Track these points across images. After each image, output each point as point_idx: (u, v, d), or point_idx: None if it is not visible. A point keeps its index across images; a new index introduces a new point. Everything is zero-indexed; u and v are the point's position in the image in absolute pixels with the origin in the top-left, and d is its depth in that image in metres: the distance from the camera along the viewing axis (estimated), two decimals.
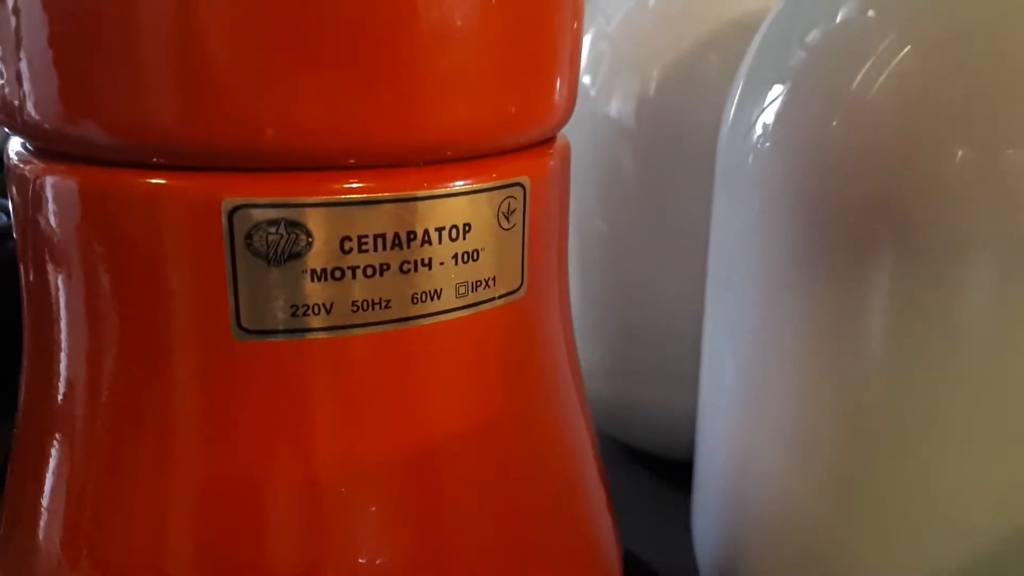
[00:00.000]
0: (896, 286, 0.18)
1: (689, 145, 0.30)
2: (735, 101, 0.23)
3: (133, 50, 0.12)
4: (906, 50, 0.18)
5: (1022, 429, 0.17)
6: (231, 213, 0.13)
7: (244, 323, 0.13)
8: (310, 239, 0.13)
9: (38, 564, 0.16)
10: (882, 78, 0.19)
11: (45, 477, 0.17)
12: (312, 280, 0.13)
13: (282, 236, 0.13)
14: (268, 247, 0.13)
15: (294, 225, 0.13)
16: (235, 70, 0.12)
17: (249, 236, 0.13)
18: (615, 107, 0.32)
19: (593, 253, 0.33)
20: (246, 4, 0.12)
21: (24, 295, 0.17)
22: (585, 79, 0.33)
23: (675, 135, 0.30)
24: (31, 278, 0.16)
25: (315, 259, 0.13)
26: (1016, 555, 0.17)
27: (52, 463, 0.16)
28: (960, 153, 0.18)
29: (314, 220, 0.13)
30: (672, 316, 0.31)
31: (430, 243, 0.14)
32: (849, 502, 0.19)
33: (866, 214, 0.19)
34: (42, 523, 0.17)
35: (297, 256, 0.13)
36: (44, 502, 0.17)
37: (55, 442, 0.16)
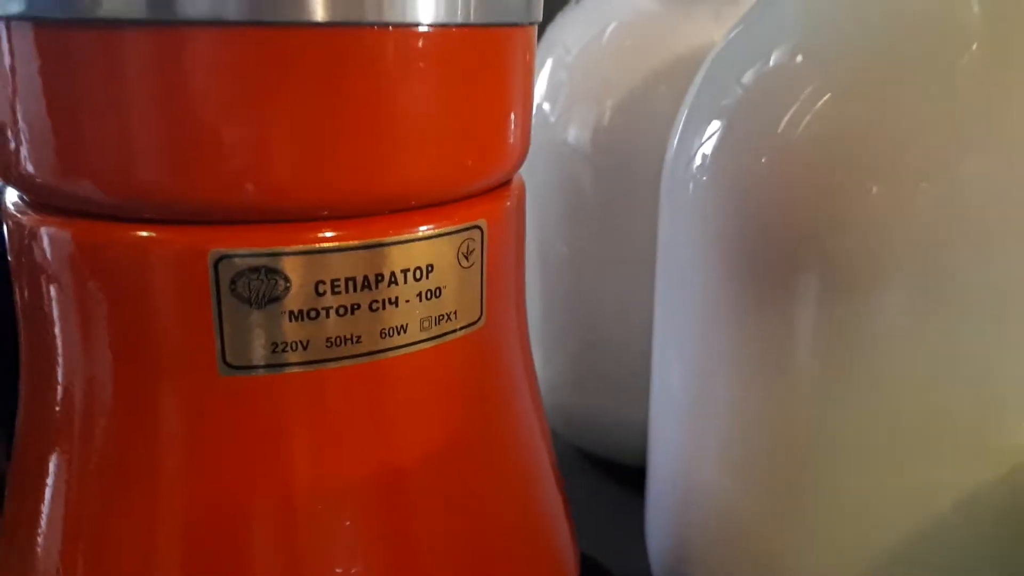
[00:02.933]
0: (820, 310, 0.20)
1: (642, 172, 0.31)
2: (678, 133, 0.25)
3: (124, 119, 0.14)
4: (827, 96, 0.20)
5: (933, 440, 0.19)
6: (216, 262, 0.14)
7: (229, 360, 0.14)
8: (288, 284, 0.14)
9: None
10: (806, 120, 0.20)
11: (42, 499, 0.18)
12: (290, 320, 0.14)
13: (263, 282, 0.14)
14: (250, 292, 0.14)
15: (273, 272, 0.14)
16: (218, 137, 0.13)
17: (233, 282, 0.14)
18: (573, 134, 0.34)
19: (554, 274, 0.34)
20: (228, 82, 0.13)
21: (20, 326, 0.18)
22: (545, 106, 0.35)
23: (629, 162, 0.32)
24: (27, 314, 0.17)
25: (292, 301, 0.14)
26: (926, 551, 0.19)
27: (48, 486, 0.17)
28: (874, 189, 0.19)
29: (291, 267, 0.14)
30: (627, 332, 0.32)
31: (396, 283, 0.15)
32: (778, 505, 0.21)
33: (793, 244, 0.20)
34: (39, 542, 0.18)
35: (276, 299, 0.14)
36: (41, 523, 0.18)
37: (51, 466, 0.17)
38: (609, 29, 0.33)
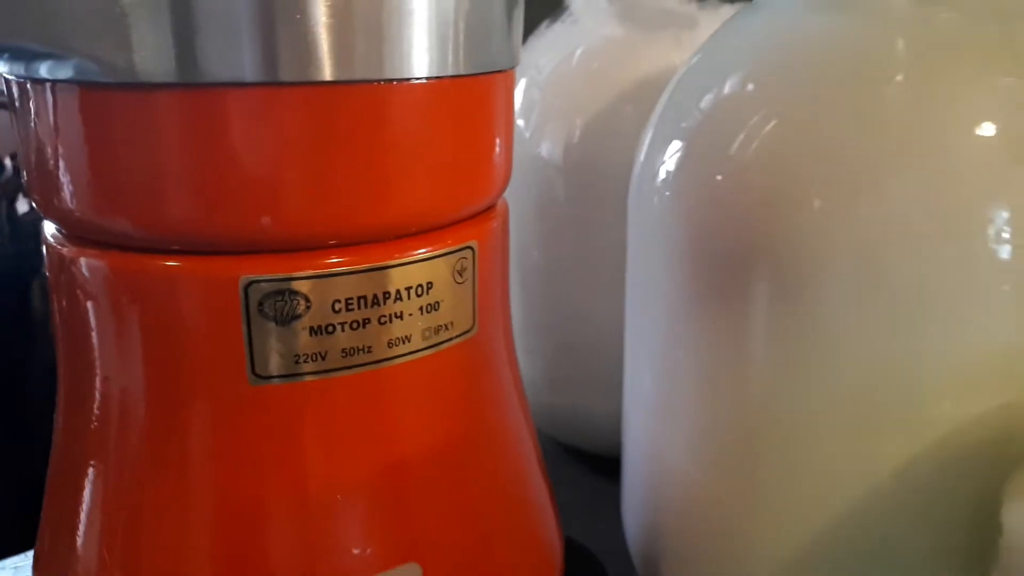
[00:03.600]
0: (771, 310, 0.22)
1: (611, 185, 0.33)
2: (644, 151, 0.27)
3: (157, 167, 0.16)
4: (773, 122, 0.22)
5: (871, 420, 0.21)
6: (247, 287, 0.16)
7: (257, 371, 0.16)
8: (308, 304, 0.16)
9: None
10: (755, 143, 0.23)
11: (81, 500, 0.19)
12: (310, 335, 0.16)
13: (286, 303, 0.16)
14: (275, 312, 0.16)
15: (295, 294, 0.16)
16: (241, 180, 0.16)
17: (260, 304, 0.16)
18: (546, 149, 0.36)
19: (532, 280, 0.36)
20: (250, 134, 0.15)
21: (58, 344, 0.20)
22: (520, 122, 0.37)
23: (598, 176, 0.34)
24: (66, 332, 0.19)
25: (311, 319, 0.16)
26: (869, 520, 0.21)
27: (87, 488, 0.19)
28: (816, 202, 0.21)
29: (310, 289, 0.16)
30: (601, 334, 0.35)
31: (400, 300, 0.17)
32: (737, 484, 0.23)
33: (746, 252, 0.22)
34: (79, 543, 0.20)
35: (298, 317, 0.16)
36: (81, 520, 0.19)
37: (89, 469, 0.19)
38: (578, 52, 0.35)
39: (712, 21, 0.34)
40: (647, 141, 0.27)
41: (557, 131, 0.35)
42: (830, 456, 0.22)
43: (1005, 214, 0.20)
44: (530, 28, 0.38)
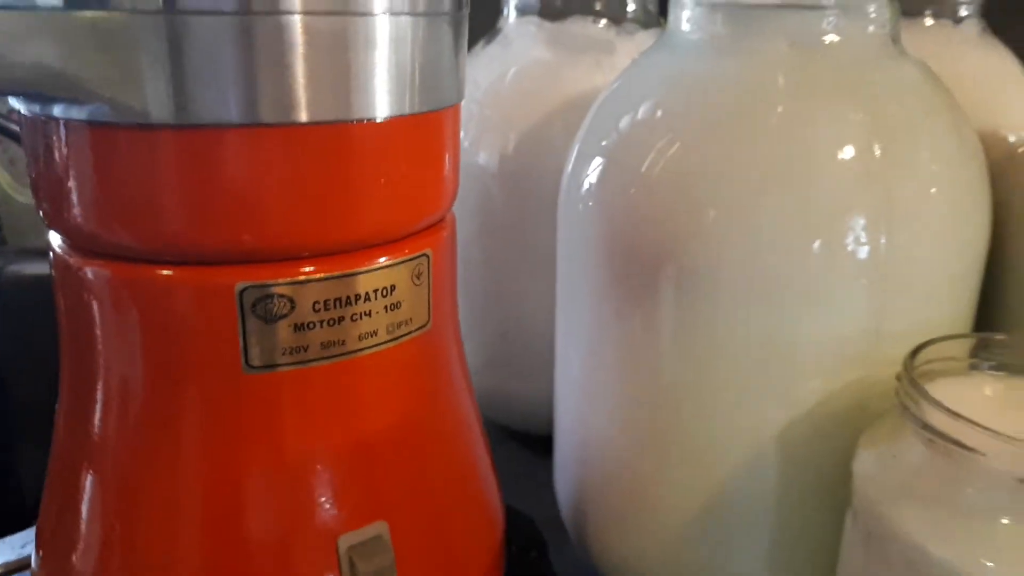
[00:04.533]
0: (675, 301, 0.26)
1: (541, 191, 0.36)
2: (571, 164, 0.31)
3: (157, 192, 0.18)
4: (677, 145, 0.26)
5: (753, 390, 0.25)
6: (241, 292, 0.19)
7: (250, 362, 0.19)
8: (292, 305, 0.19)
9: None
10: (662, 163, 0.26)
11: (84, 481, 0.22)
12: (293, 331, 0.19)
13: (275, 304, 0.19)
14: (265, 312, 0.19)
15: (282, 296, 0.19)
16: (233, 204, 0.18)
17: (254, 305, 0.19)
18: (483, 158, 0.39)
19: (472, 276, 0.40)
20: (239, 166, 0.18)
21: (62, 346, 0.22)
22: (460, 132, 0.40)
23: (530, 183, 0.37)
24: (69, 331, 0.22)
25: (296, 317, 0.19)
26: (753, 476, 0.25)
27: (90, 470, 0.22)
28: (711, 213, 0.25)
29: (293, 292, 0.19)
30: (533, 323, 0.38)
31: (368, 300, 0.20)
32: (649, 448, 0.27)
33: (655, 253, 0.26)
34: (83, 518, 0.22)
35: (284, 316, 0.19)
36: (84, 503, 0.22)
37: (92, 455, 0.22)
38: (511, 72, 0.39)
39: (628, 46, 0.37)
40: (573, 156, 0.31)
41: (493, 142, 0.39)
42: (725, 424, 0.26)
43: (861, 221, 0.24)
44: (467, 47, 0.41)
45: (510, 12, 0.39)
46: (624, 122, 0.28)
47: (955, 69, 0.37)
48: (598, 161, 0.29)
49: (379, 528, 0.21)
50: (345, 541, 0.21)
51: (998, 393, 0.22)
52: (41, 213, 0.21)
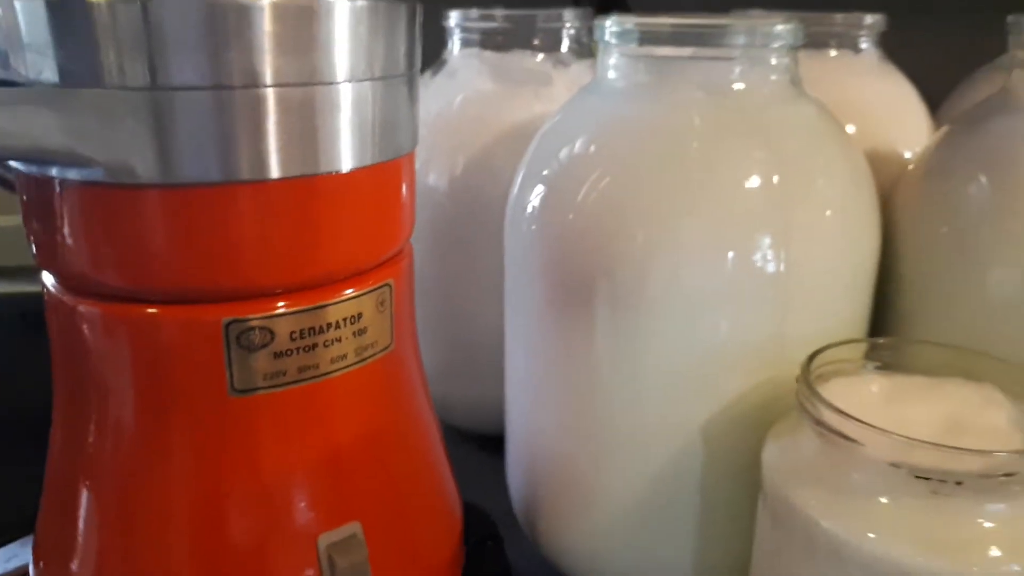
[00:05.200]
0: (610, 316, 0.29)
1: (488, 212, 0.39)
2: (516, 190, 0.33)
3: (146, 241, 0.20)
4: (608, 177, 0.29)
5: (677, 390, 0.28)
6: (227, 325, 0.21)
7: (236, 386, 0.22)
8: (272, 335, 0.22)
9: None
10: (596, 192, 0.29)
11: (79, 510, 0.24)
12: (273, 358, 0.22)
13: (256, 335, 0.21)
14: (249, 342, 0.21)
15: (263, 328, 0.21)
16: (216, 252, 0.21)
17: (238, 337, 0.21)
18: (433, 179, 0.42)
19: (426, 291, 0.42)
20: (219, 218, 0.20)
21: (56, 377, 0.24)
22: None
23: (477, 203, 0.40)
24: (63, 366, 0.24)
25: (276, 346, 0.22)
26: (680, 467, 0.29)
27: (84, 485, 0.24)
28: (638, 236, 0.28)
29: (273, 325, 0.22)
30: (484, 335, 0.40)
31: (338, 328, 0.23)
32: (589, 443, 0.30)
33: (590, 272, 0.29)
34: (79, 529, 0.24)
35: (266, 346, 0.22)
36: (80, 515, 0.24)
37: (86, 470, 0.24)
38: (458, 100, 0.41)
39: (564, 77, 0.40)
40: (518, 182, 0.33)
41: (443, 165, 0.41)
42: (654, 420, 0.29)
43: (766, 241, 0.27)
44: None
45: (455, 45, 0.42)
46: (563, 155, 0.31)
47: (857, 94, 0.42)
48: (540, 189, 0.32)
49: (353, 528, 0.24)
50: (324, 540, 0.23)
51: (883, 390, 0.26)
52: (35, 254, 0.23)
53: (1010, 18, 0.50)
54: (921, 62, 0.44)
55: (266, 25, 0.19)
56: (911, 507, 0.22)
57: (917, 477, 0.21)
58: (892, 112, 0.42)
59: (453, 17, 0.41)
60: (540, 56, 0.41)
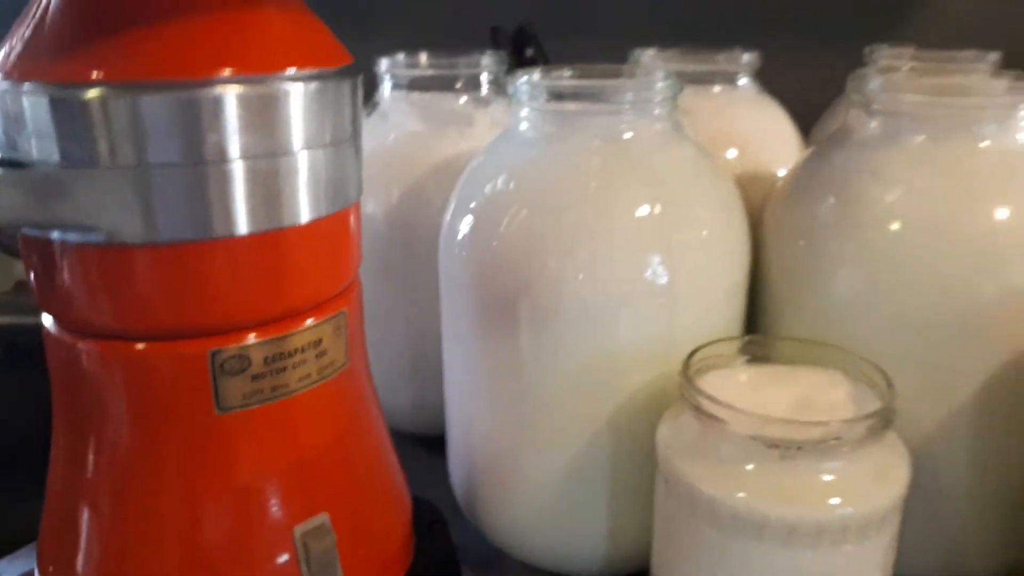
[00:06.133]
0: (529, 329, 0.34)
1: (421, 239, 0.43)
2: (448, 219, 0.38)
3: (138, 293, 0.24)
4: (524, 210, 0.34)
5: (584, 391, 0.33)
6: (212, 355, 0.25)
7: (221, 404, 0.26)
8: (249, 361, 0.26)
9: None
10: (516, 223, 0.34)
11: (80, 518, 0.27)
12: (251, 380, 0.26)
13: (237, 362, 0.25)
14: (231, 368, 0.25)
15: (242, 357, 0.26)
16: (197, 297, 0.25)
17: (222, 365, 0.25)
18: (371, 209, 0.46)
19: (372, 308, 0.46)
20: (199, 268, 0.25)
21: (55, 402, 0.28)
22: None
23: (411, 232, 0.44)
24: (63, 394, 0.27)
25: (252, 370, 0.26)
26: (591, 454, 0.34)
27: (83, 509, 0.27)
28: (552, 262, 0.33)
29: (251, 352, 0.26)
30: (424, 346, 0.45)
31: (303, 352, 0.27)
32: (516, 437, 0.35)
33: (511, 294, 0.34)
34: (82, 534, 0.28)
35: (244, 370, 0.26)
36: (81, 535, 0.27)
37: (85, 484, 0.27)
38: (391, 138, 0.46)
39: (484, 117, 0.45)
40: (450, 213, 0.38)
41: (379, 196, 0.45)
42: (569, 413, 0.34)
43: (655, 259, 0.33)
44: None
45: (385, 88, 0.46)
46: (487, 190, 0.36)
47: (737, 124, 0.48)
48: (469, 219, 0.36)
49: (323, 518, 0.28)
50: (298, 530, 0.27)
51: (750, 378, 0.31)
52: (36, 299, 0.27)
53: (866, 48, 0.57)
54: (794, 92, 0.51)
55: (234, 111, 0.24)
56: (768, 470, 0.27)
57: (769, 446, 0.27)
58: (768, 138, 0.48)
59: (383, 64, 0.45)
60: (463, 97, 0.45)
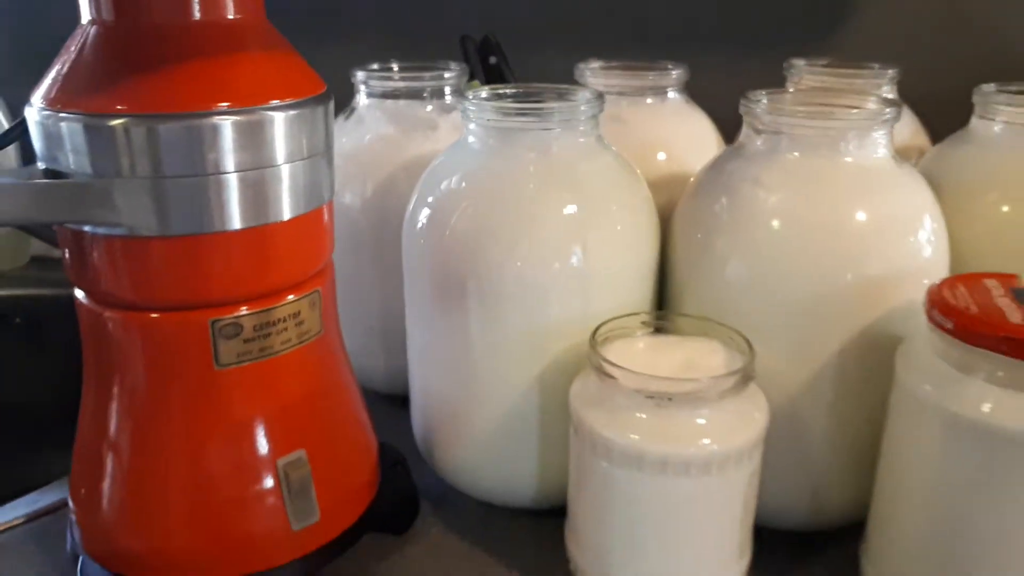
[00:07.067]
0: (478, 305, 0.39)
1: (391, 227, 0.48)
2: (409, 212, 0.44)
3: (154, 275, 0.30)
4: (472, 206, 0.40)
5: (528, 358, 0.39)
6: (212, 323, 0.31)
7: (219, 361, 0.31)
8: (241, 328, 0.32)
9: (105, 526, 0.33)
10: (465, 217, 0.40)
11: (105, 457, 0.33)
12: (243, 343, 0.32)
13: (232, 329, 0.31)
14: (227, 333, 0.31)
15: (236, 324, 0.31)
16: (203, 279, 0.30)
17: (220, 330, 0.31)
18: (348, 199, 0.51)
19: (347, 285, 0.51)
20: (202, 258, 0.30)
21: (86, 358, 0.33)
22: None
23: (383, 220, 0.50)
24: (93, 354, 0.33)
25: (244, 335, 0.32)
26: (527, 405, 0.40)
27: (107, 445, 0.33)
28: (495, 251, 0.39)
29: (243, 321, 0.32)
30: (391, 319, 0.50)
31: (285, 322, 0.33)
32: (464, 391, 0.41)
33: (462, 276, 0.39)
34: (107, 471, 0.33)
35: (238, 335, 0.32)
36: (107, 471, 0.33)
37: (108, 435, 0.33)
38: (366, 140, 0.51)
39: (448, 121, 0.51)
40: (412, 205, 0.43)
41: (356, 188, 0.51)
42: (506, 374, 0.40)
43: (576, 249, 0.38)
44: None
45: (361, 96, 0.52)
46: (442, 188, 0.42)
47: (667, 132, 0.53)
48: (426, 212, 0.42)
49: (300, 453, 0.34)
50: (281, 462, 0.34)
51: (647, 346, 0.37)
52: (71, 276, 0.32)
53: (785, 63, 0.63)
54: (721, 101, 0.56)
55: (229, 135, 0.29)
56: (653, 416, 0.33)
57: (648, 397, 0.33)
58: (693, 144, 0.53)
59: (359, 75, 0.51)
60: (429, 105, 0.51)
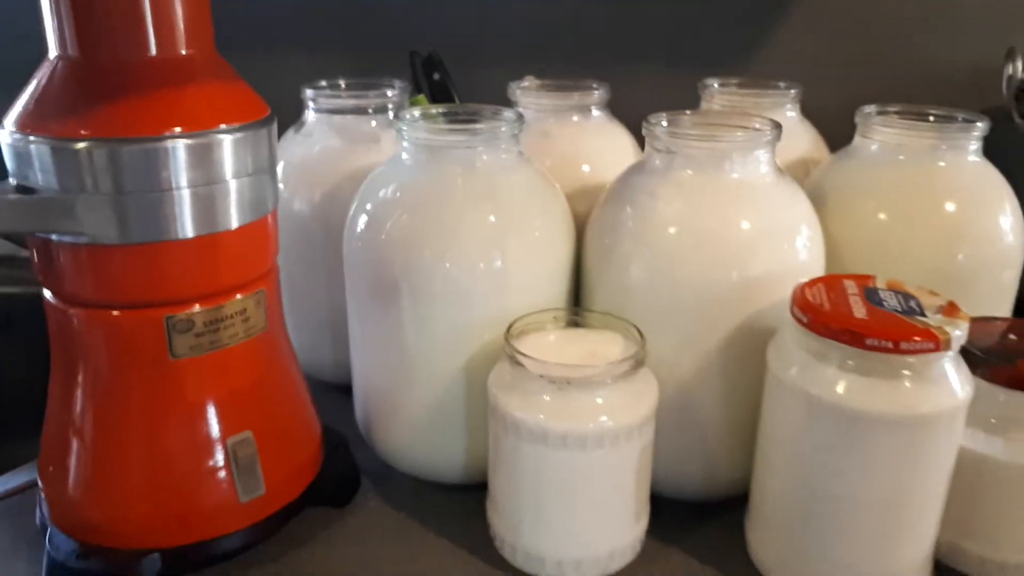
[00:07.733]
0: (411, 303, 0.43)
1: (336, 232, 0.51)
2: (350, 218, 0.47)
3: (114, 278, 0.33)
4: (405, 214, 0.43)
5: (456, 350, 0.43)
6: (167, 319, 0.34)
7: (174, 353, 0.35)
8: (193, 323, 0.35)
9: (71, 500, 0.36)
10: (399, 224, 0.43)
11: (71, 436, 0.36)
12: (195, 336, 0.35)
13: (185, 324, 0.35)
14: (181, 328, 0.35)
15: (189, 320, 0.35)
16: (158, 281, 0.34)
17: (175, 326, 0.35)
18: (297, 205, 0.54)
19: (295, 286, 0.55)
20: (159, 262, 0.34)
21: (53, 351, 0.37)
22: (282, 186, 0.55)
23: (328, 226, 0.53)
24: (59, 347, 0.36)
25: (196, 330, 0.35)
26: (455, 392, 0.44)
27: (73, 430, 0.36)
28: (426, 254, 0.43)
29: (196, 317, 0.35)
30: (335, 314, 0.53)
31: (232, 318, 0.36)
32: (397, 380, 0.45)
33: (395, 278, 0.43)
34: (72, 455, 0.37)
35: (190, 329, 0.35)
36: (72, 447, 0.37)
37: (74, 420, 0.36)
38: (315, 151, 0.54)
39: (389, 137, 0.54)
40: (352, 211, 0.47)
41: (304, 196, 0.54)
42: (436, 364, 0.44)
43: (496, 254, 0.43)
44: (283, 132, 0.56)
45: (310, 111, 0.55)
46: (379, 196, 0.45)
47: (591, 146, 0.58)
48: (364, 218, 0.46)
49: (247, 434, 0.38)
50: (230, 441, 0.37)
51: (557, 338, 0.42)
52: (40, 278, 0.35)
53: (700, 83, 0.67)
54: (641, 117, 0.61)
55: (182, 156, 0.33)
56: (557, 398, 0.38)
57: (550, 382, 0.37)
58: (614, 158, 0.56)
59: (308, 93, 0.54)
60: (373, 121, 0.54)
